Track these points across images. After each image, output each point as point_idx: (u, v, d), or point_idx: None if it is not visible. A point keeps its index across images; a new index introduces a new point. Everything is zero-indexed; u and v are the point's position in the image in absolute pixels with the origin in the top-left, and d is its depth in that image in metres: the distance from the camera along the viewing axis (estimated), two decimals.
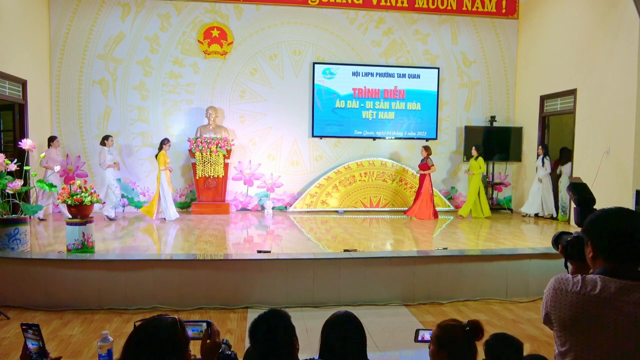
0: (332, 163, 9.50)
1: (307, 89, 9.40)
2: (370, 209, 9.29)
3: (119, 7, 8.83)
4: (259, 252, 5.18)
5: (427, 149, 8.66)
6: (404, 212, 8.80)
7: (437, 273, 4.85)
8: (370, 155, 9.53)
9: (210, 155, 8.52)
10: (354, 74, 9.48)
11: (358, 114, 9.53)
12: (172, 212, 7.89)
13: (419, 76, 9.63)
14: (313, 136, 9.42)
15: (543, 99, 9.03)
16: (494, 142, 9.64)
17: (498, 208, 9.78)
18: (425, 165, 8.56)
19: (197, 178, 8.61)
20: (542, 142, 9.08)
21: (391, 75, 9.57)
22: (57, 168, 5.62)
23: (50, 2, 8.62)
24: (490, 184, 9.78)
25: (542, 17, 9.10)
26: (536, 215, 8.88)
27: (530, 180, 9.33)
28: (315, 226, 7.83)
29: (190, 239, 6.53)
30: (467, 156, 9.55)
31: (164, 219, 7.86)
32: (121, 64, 8.89)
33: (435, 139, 9.73)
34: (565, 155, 8.60)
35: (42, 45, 8.49)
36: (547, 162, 8.69)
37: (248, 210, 9.23)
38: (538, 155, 8.80)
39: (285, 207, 9.30)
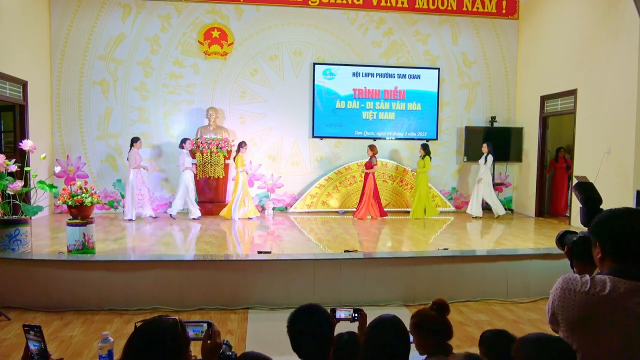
0: (333, 164, 9.48)
1: (307, 89, 9.39)
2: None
3: (120, 7, 8.82)
4: (260, 252, 5.17)
5: (372, 148, 8.66)
6: (353, 213, 8.75)
7: (437, 273, 4.83)
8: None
9: (211, 156, 8.50)
10: (354, 74, 9.47)
11: (358, 114, 9.52)
12: (247, 211, 8.20)
13: (419, 77, 9.62)
14: (313, 137, 9.41)
15: (543, 99, 9.02)
16: (494, 143, 9.60)
17: None
18: (369, 164, 8.59)
19: (198, 179, 8.59)
20: (487, 139, 9.07)
21: (391, 76, 9.56)
22: (57, 169, 5.60)
23: (51, 3, 8.62)
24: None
25: (543, 18, 9.10)
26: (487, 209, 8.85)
27: (532, 181, 9.32)
28: (316, 227, 7.82)
29: (191, 239, 6.52)
30: (468, 157, 9.55)
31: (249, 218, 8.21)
32: (122, 65, 8.89)
33: (436, 139, 9.72)
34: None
35: (43, 46, 8.48)
36: (489, 160, 8.69)
37: None
38: (483, 154, 8.80)
39: (286, 208, 9.29)
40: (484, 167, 8.73)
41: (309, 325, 1.95)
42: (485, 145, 8.79)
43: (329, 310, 2.06)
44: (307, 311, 2.03)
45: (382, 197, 9.09)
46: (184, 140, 8.25)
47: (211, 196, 8.68)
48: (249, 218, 8.26)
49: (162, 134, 9.06)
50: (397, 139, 9.55)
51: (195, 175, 8.57)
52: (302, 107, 9.40)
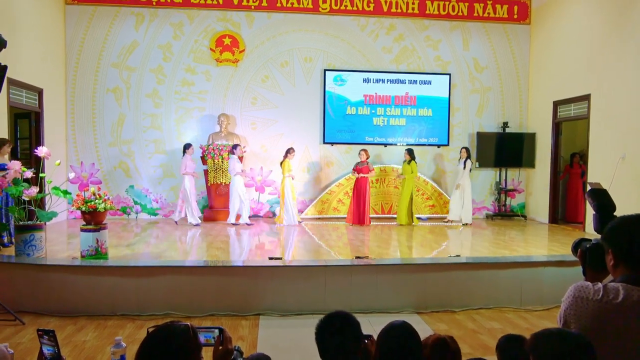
0: (343, 170, 9.49)
1: (318, 95, 9.43)
2: (381, 216, 9.25)
3: (133, 16, 8.96)
4: (271, 259, 5.18)
5: (366, 152, 8.63)
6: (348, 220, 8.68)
7: (449, 280, 4.80)
8: (381, 161, 9.51)
9: (222, 162, 8.56)
10: (364, 80, 9.49)
11: (369, 120, 9.53)
12: (290, 218, 8.35)
13: (430, 82, 9.61)
14: (324, 143, 9.43)
15: (556, 104, 8.94)
16: (506, 149, 9.57)
17: (512, 215, 9.68)
18: (366, 168, 8.55)
19: (209, 185, 8.66)
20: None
21: (402, 82, 9.57)
22: (72, 175, 5.68)
23: (66, 12, 8.78)
24: (503, 191, 9.69)
25: (554, 22, 9.04)
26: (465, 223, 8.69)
27: (545, 187, 9.23)
28: (327, 233, 7.82)
29: (201, 245, 6.56)
30: (480, 162, 9.49)
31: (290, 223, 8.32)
32: (135, 72, 9.01)
33: (447, 145, 9.68)
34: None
35: (58, 55, 8.64)
36: (468, 165, 8.60)
37: (259, 217, 9.25)
38: (460, 158, 8.71)
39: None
40: (463, 172, 8.65)
41: (339, 336, 1.90)
42: (463, 149, 8.75)
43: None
44: (337, 320, 1.97)
45: (393, 203, 9.07)
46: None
47: (221, 202, 8.73)
48: (294, 224, 8.34)
49: (174, 140, 9.14)
50: (408, 144, 9.52)
51: (206, 182, 8.65)
52: (312, 113, 9.43)
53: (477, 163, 9.54)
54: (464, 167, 8.63)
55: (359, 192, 8.54)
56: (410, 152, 8.62)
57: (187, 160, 8.21)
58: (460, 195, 8.69)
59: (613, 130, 7.44)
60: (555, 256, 5.41)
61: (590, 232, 7.55)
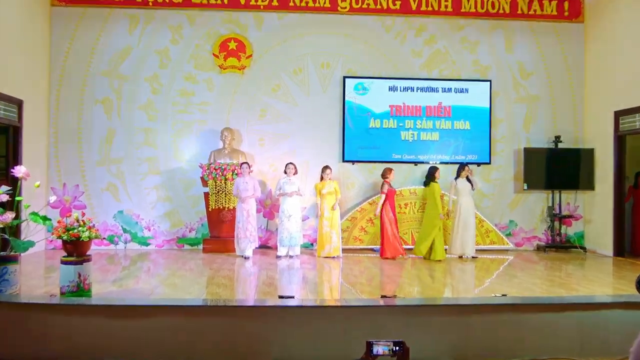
0: (366, 192, 9.43)
1: (336, 106, 9.45)
2: (412, 247, 9.12)
3: (126, 18, 9.17)
4: (281, 297, 5.11)
5: (391, 171, 8.67)
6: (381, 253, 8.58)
7: (494, 325, 4.66)
8: (411, 182, 9.44)
9: (225, 183, 8.59)
10: (390, 88, 9.50)
11: (396, 134, 9.51)
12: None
13: (467, 90, 9.58)
14: (344, 161, 9.42)
15: (618, 115, 8.81)
16: (560, 167, 9.41)
17: (568, 246, 9.45)
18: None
19: (210, 210, 8.67)
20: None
21: (435, 90, 9.55)
22: (53, 198, 5.73)
23: (52, 14, 9.04)
24: (557, 217, 9.50)
25: (613, 19, 8.97)
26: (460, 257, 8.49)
27: (607, 212, 9.01)
28: (347, 267, 7.72)
29: (200, 281, 6.52)
30: (529, 183, 9.35)
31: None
32: (127, 81, 9.18)
33: (489, 163, 9.57)
34: None
35: (41, 62, 8.86)
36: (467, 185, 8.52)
37: (268, 247, 9.20)
38: (460, 178, 8.57)
39: (312, 244, 9.23)
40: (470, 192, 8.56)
41: None
42: (466, 167, 8.63)
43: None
44: None
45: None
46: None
47: (225, 230, 8.72)
48: (333, 257, 8.35)
49: (170, 158, 9.23)
50: (442, 163, 9.44)
51: (207, 206, 8.67)
52: (330, 127, 9.45)
53: (526, 184, 9.39)
54: (473, 189, 8.60)
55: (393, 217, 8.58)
56: (430, 173, 8.58)
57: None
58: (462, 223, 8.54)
59: None
60: (622, 296, 5.24)
61: None
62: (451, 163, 9.49)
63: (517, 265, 8.04)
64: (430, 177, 8.52)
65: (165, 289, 5.95)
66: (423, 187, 8.70)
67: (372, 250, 9.09)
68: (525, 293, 5.89)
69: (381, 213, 8.48)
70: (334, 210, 8.49)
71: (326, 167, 8.63)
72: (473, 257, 8.39)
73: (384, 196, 8.51)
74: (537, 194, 9.68)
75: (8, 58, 7.75)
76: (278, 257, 8.25)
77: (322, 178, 8.62)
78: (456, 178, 8.58)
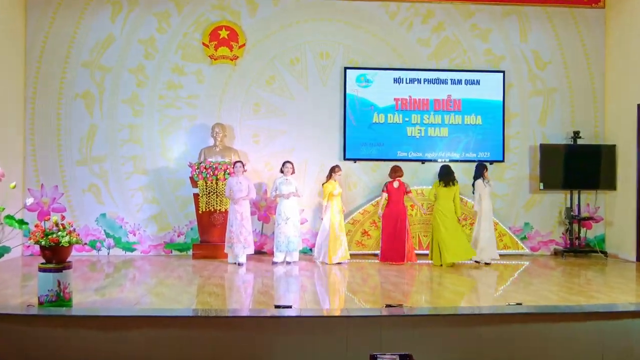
0: (370, 193, 9.44)
1: (337, 100, 9.46)
2: (419, 252, 9.12)
3: (108, 5, 9.17)
4: (278, 307, 5.12)
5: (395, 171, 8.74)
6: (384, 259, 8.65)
7: (509, 336, 4.68)
8: (418, 182, 9.45)
9: (217, 183, 8.59)
10: (395, 80, 9.51)
11: (402, 130, 9.52)
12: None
13: (478, 82, 9.59)
14: (345, 159, 9.42)
15: None
16: (579, 165, 9.41)
17: (588, 250, 9.47)
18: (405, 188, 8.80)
19: (200, 212, 8.68)
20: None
21: (443, 82, 9.57)
22: (30, 200, 5.73)
23: (28, 3, 9.01)
24: (575, 219, 9.51)
25: (636, 4, 8.98)
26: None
27: (631, 214, 9.02)
28: (349, 273, 7.74)
29: (190, 289, 6.52)
30: (545, 183, 9.35)
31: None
32: (110, 73, 9.17)
33: (502, 161, 9.58)
34: None
35: (16, 54, 8.85)
36: (488, 186, 8.55)
37: (264, 253, 9.20)
38: (481, 179, 8.56)
39: (310, 250, 9.23)
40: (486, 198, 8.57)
41: None
42: (487, 166, 8.72)
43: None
44: None
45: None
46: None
47: (216, 235, 8.72)
48: (340, 263, 8.39)
49: (157, 157, 9.23)
50: (452, 161, 9.45)
51: (196, 209, 8.67)
52: (330, 123, 9.46)
53: (542, 184, 9.40)
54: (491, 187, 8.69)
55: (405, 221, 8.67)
56: (442, 174, 8.61)
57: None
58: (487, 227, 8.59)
59: None
60: None
61: None
62: (461, 161, 9.50)
63: (532, 271, 8.04)
64: (452, 175, 8.55)
65: (152, 299, 5.96)
66: (444, 186, 8.46)
67: (376, 255, 9.08)
68: (541, 301, 5.90)
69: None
70: (341, 213, 8.61)
71: (337, 167, 8.63)
72: (486, 263, 8.41)
73: (384, 195, 8.71)
74: (554, 194, 9.69)
75: None
76: (274, 263, 8.25)
77: (330, 177, 8.58)
78: (478, 179, 8.56)
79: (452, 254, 8.24)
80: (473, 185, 8.65)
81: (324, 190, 8.60)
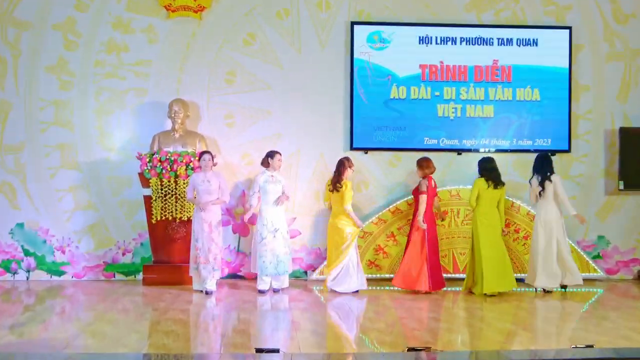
0: (386, 195, 9.50)
1: (341, 68, 9.50)
2: (452, 276, 9.17)
3: None
4: (260, 351, 5.16)
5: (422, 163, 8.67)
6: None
7: None
8: (452, 180, 9.51)
9: (176, 182, 8.62)
10: (421, 40, 9.56)
11: (430, 109, 9.57)
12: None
13: (536, 42, 9.64)
14: (352, 149, 9.46)
15: None
16: None
17: None
18: (415, 190, 8.63)
19: (154, 222, 8.70)
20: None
21: (487, 42, 9.61)
22: None
23: None
24: None
25: None
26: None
27: None
28: (358, 305, 7.79)
29: (140, 328, 6.55)
30: (626, 181, 9.38)
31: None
32: (27, 31, 9.17)
33: (568, 151, 9.63)
34: None
35: None
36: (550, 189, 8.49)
37: (240, 277, 9.25)
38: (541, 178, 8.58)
39: (305, 273, 9.28)
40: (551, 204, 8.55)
41: None
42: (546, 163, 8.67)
43: None
44: None
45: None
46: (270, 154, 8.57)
47: (175, 252, 8.75)
48: (356, 291, 8.43)
49: (93, 146, 9.24)
50: (498, 150, 9.49)
51: (148, 217, 8.67)
52: (332, 99, 9.49)
53: (622, 183, 9.45)
54: (541, 195, 8.57)
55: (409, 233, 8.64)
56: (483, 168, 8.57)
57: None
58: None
59: None
60: None
61: None
62: (513, 151, 9.53)
63: (609, 301, 8.10)
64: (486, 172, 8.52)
65: (88, 340, 5.99)
66: (493, 187, 8.38)
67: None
68: (620, 343, 5.94)
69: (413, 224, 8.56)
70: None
71: (347, 160, 8.55)
72: (546, 291, 8.47)
73: (425, 198, 8.47)
74: (638, 196, 9.77)
75: None
76: (261, 291, 8.29)
77: (342, 174, 8.45)
78: (550, 175, 8.49)
79: (497, 281, 8.25)
80: (542, 183, 8.49)
81: (346, 188, 8.41)
